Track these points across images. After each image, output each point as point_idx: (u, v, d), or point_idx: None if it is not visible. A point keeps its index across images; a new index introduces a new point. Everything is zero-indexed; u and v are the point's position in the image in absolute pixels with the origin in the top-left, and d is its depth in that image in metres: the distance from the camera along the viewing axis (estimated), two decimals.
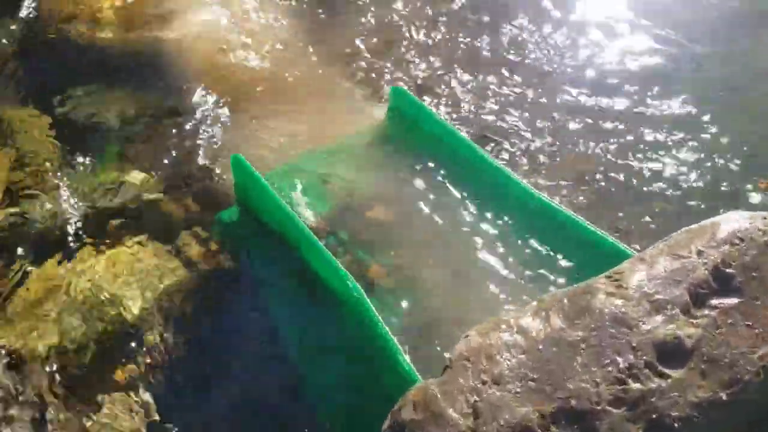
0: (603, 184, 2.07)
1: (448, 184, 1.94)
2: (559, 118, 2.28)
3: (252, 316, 1.76)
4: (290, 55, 2.52)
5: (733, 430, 1.23)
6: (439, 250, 1.78)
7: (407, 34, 2.61)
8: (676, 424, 1.14)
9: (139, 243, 1.95)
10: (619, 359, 1.18)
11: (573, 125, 2.27)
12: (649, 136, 2.24)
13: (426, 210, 1.90)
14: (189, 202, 2.06)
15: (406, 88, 2.18)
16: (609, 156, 2.16)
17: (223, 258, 1.89)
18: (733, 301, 1.28)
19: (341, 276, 1.56)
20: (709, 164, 2.13)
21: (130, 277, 1.83)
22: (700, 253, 1.34)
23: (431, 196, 1.92)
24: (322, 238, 1.82)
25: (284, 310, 1.74)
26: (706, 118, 2.28)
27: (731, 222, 1.39)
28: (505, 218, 1.82)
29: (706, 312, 1.26)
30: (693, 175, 2.10)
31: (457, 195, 1.92)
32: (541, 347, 1.21)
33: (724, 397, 1.19)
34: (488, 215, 1.85)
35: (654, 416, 1.14)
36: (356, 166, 2.03)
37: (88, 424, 1.56)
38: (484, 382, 1.16)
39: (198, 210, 2.04)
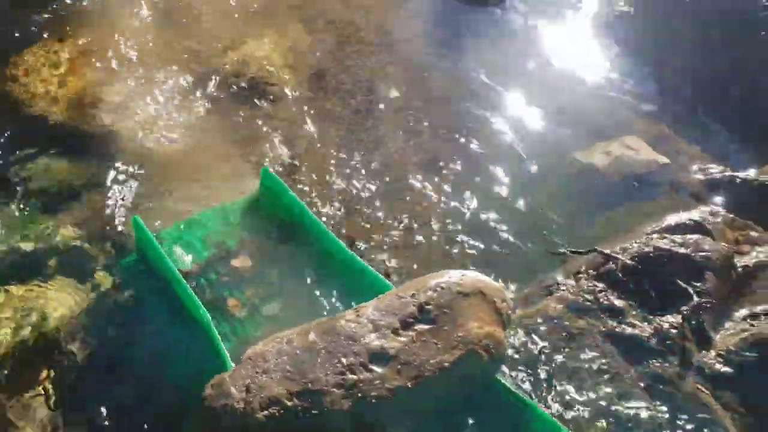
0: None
1: (296, 246, 2.67)
2: None
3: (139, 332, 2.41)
4: (202, 142, 3.24)
5: (421, 408, 1.96)
6: (280, 290, 2.50)
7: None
8: (373, 401, 1.86)
9: (61, 283, 2.60)
10: (344, 360, 1.91)
11: None
12: None
13: (274, 261, 2.62)
14: (107, 249, 2.73)
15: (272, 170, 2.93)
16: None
17: (124, 292, 2.55)
18: (428, 327, 2.03)
19: (196, 306, 2.25)
20: None
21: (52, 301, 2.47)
22: (413, 295, 2.10)
23: (282, 252, 2.64)
24: (194, 279, 2.52)
25: (160, 329, 2.42)
26: None
27: (440, 276, 2.16)
28: (324, 268, 2.56)
29: (409, 333, 2.01)
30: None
31: (303, 253, 2.64)
32: (298, 352, 1.93)
33: (410, 385, 1.92)
34: (315, 266, 2.57)
35: (360, 395, 1.86)
36: (231, 226, 2.75)
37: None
38: (257, 372, 1.87)
39: (112, 255, 2.71)
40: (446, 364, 1.95)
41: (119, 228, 2.79)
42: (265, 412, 1.78)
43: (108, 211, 2.86)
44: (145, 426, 2.12)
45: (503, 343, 2.06)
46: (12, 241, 2.71)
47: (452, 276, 2.15)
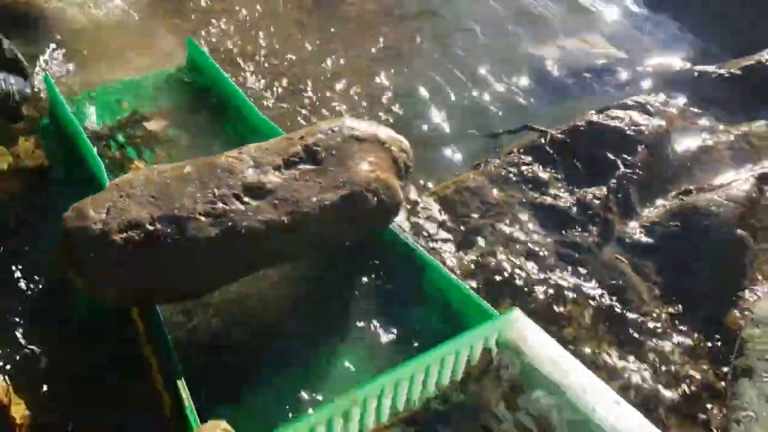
0: None
1: (216, 113, 2.57)
2: None
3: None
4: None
5: (296, 244, 1.85)
6: (193, 150, 2.40)
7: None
8: (243, 231, 1.76)
9: None
10: (217, 191, 1.81)
11: None
12: None
13: (190, 126, 2.52)
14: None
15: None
16: None
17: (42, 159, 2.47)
18: (313, 167, 1.92)
19: (97, 163, 2.16)
20: None
21: None
22: (302, 137, 1.98)
23: (198, 117, 2.55)
24: (102, 140, 2.43)
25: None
26: None
27: (335, 121, 2.05)
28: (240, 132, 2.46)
29: (291, 171, 1.90)
30: None
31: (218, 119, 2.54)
32: (169, 181, 1.83)
33: (286, 221, 1.81)
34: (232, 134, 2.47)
35: (230, 224, 1.76)
36: (150, 94, 2.65)
37: None
38: (121, 196, 1.78)
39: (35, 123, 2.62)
40: (327, 203, 1.84)
41: (43, 96, 2.70)
42: (123, 235, 1.68)
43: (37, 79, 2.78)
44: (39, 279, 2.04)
45: (397, 192, 1.95)
46: None
47: (348, 121, 2.03)
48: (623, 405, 1.53)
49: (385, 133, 2.03)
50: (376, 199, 1.90)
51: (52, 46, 2.95)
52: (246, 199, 1.80)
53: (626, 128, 2.47)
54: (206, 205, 1.76)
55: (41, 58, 2.87)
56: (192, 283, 1.75)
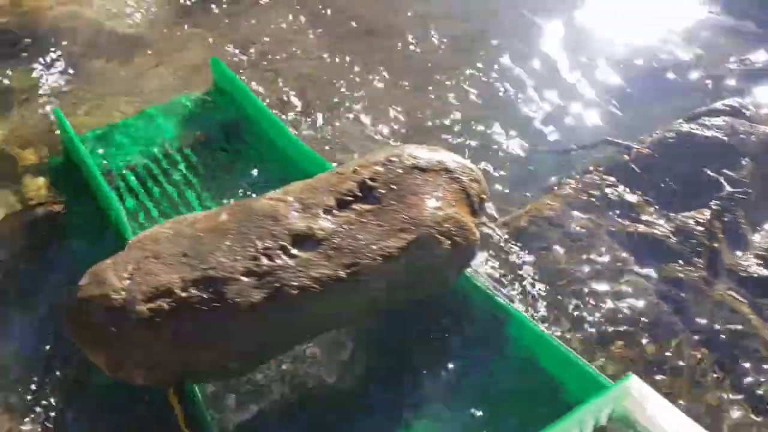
0: None
1: (248, 143, 2.27)
2: None
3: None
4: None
5: (356, 304, 1.53)
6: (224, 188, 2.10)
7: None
8: (294, 292, 1.44)
9: None
10: (259, 243, 1.49)
11: None
12: None
13: (218, 159, 2.22)
14: (42, 153, 2.38)
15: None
16: None
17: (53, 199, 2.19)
18: (370, 206, 1.60)
19: (116, 208, 1.87)
20: None
21: None
22: (355, 171, 1.66)
23: (227, 149, 2.25)
24: (120, 179, 2.14)
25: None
26: None
27: (392, 149, 1.72)
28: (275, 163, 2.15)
29: (345, 213, 1.58)
30: None
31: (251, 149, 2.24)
32: (201, 234, 1.52)
33: (344, 275, 1.49)
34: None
35: (276, 284, 1.44)
36: (175, 125, 2.36)
37: None
38: (146, 257, 1.47)
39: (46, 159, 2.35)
40: (392, 251, 1.51)
41: (52, 130, 2.43)
42: (151, 305, 1.38)
43: (44, 113, 2.51)
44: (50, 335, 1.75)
45: (472, 232, 1.61)
46: None
47: (408, 148, 1.71)
48: None
49: (452, 160, 1.70)
50: (448, 241, 1.57)
51: (63, 67, 2.69)
52: (294, 251, 1.48)
53: (726, 138, 2.11)
54: (248, 261, 1.45)
55: (48, 81, 2.60)
56: (233, 358, 1.43)
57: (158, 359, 1.40)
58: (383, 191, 1.61)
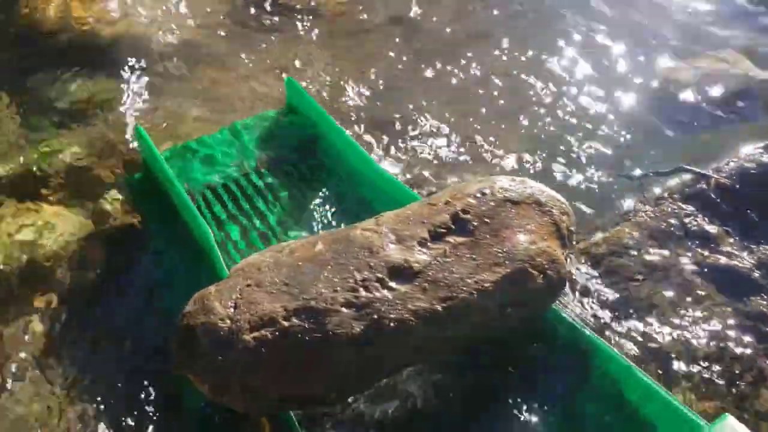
0: None
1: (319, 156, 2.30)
2: None
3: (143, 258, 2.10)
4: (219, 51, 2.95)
5: (452, 337, 1.55)
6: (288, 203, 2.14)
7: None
8: (392, 324, 1.47)
9: (63, 203, 2.32)
10: (357, 275, 1.52)
11: None
12: None
13: (302, 181, 2.25)
14: (116, 168, 2.44)
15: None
16: None
17: (130, 215, 2.25)
18: (464, 239, 1.62)
19: (198, 224, 1.91)
20: None
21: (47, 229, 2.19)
22: (447, 202, 1.69)
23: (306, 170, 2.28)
24: (204, 198, 2.19)
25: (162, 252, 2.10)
26: None
27: (483, 181, 1.74)
28: (353, 186, 2.18)
29: (439, 245, 1.60)
30: None
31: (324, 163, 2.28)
32: (300, 264, 1.55)
33: (440, 308, 1.52)
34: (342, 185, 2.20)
35: (375, 316, 1.47)
36: (254, 144, 2.40)
37: None
38: (248, 285, 1.51)
39: (121, 175, 2.40)
40: (488, 285, 1.52)
41: (131, 145, 2.49)
42: (255, 334, 1.41)
43: (119, 128, 2.57)
44: (136, 355, 1.80)
45: (563, 266, 1.62)
46: (13, 159, 2.45)
47: (499, 180, 1.72)
48: None
49: (543, 193, 1.72)
50: (541, 276, 1.58)
51: (135, 81, 2.76)
52: (391, 283, 1.51)
53: None
54: (347, 293, 1.48)
55: (122, 101, 2.66)
56: (331, 388, 1.47)
57: (260, 387, 1.43)
58: (476, 224, 1.62)
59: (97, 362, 1.79)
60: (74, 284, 2.01)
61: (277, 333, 1.43)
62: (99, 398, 1.69)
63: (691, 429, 1.43)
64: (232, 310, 1.46)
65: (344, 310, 1.46)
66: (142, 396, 1.70)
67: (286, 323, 1.44)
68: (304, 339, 1.43)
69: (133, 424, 1.64)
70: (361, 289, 1.49)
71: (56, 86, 2.75)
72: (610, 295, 1.87)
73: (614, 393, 1.61)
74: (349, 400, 1.61)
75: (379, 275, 1.52)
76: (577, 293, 1.87)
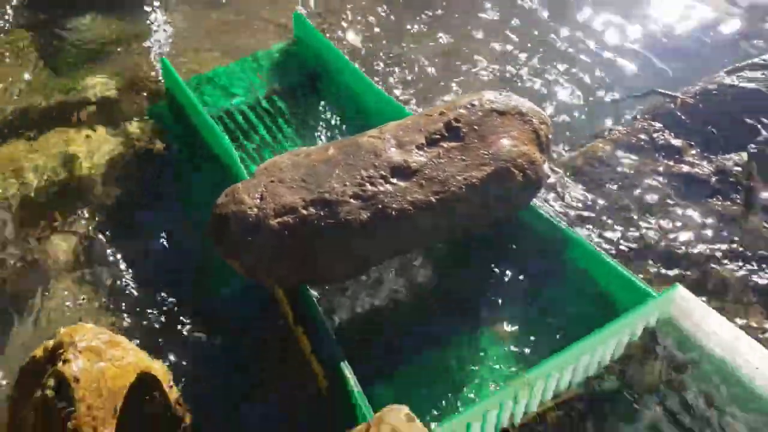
0: None
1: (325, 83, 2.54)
2: None
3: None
4: None
5: (445, 225, 1.82)
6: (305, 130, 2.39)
7: None
8: (393, 213, 1.74)
9: (96, 128, 2.57)
10: (364, 173, 1.79)
11: None
12: None
13: (313, 104, 2.50)
14: (141, 98, 2.69)
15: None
16: None
17: (157, 137, 2.50)
18: (456, 143, 1.88)
19: (227, 146, 2.17)
20: None
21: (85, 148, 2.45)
22: (441, 113, 1.94)
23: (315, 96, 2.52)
24: (224, 123, 2.44)
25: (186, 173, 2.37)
26: None
27: (473, 95, 1.99)
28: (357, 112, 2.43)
29: (434, 149, 1.86)
30: None
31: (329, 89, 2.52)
32: (315, 164, 1.82)
33: (434, 200, 1.78)
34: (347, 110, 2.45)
35: (379, 206, 1.74)
36: (268, 73, 2.64)
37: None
38: (272, 181, 1.78)
39: (147, 104, 2.66)
40: (475, 181, 1.79)
41: (154, 77, 2.73)
42: (279, 219, 1.68)
43: (145, 61, 2.81)
44: (168, 270, 2.07)
45: (541, 167, 1.89)
46: (44, 93, 2.69)
47: (487, 94, 1.97)
48: None
49: (525, 105, 1.96)
50: (521, 175, 1.85)
51: (155, 23, 2.98)
52: (393, 180, 1.77)
53: (765, 89, 2.34)
54: (355, 187, 1.74)
55: (147, 39, 2.89)
56: (342, 267, 1.74)
57: (284, 265, 1.71)
58: (466, 130, 1.88)
59: (138, 264, 2.06)
60: (110, 196, 2.28)
61: (297, 219, 1.70)
62: (138, 300, 1.96)
63: (643, 296, 1.69)
64: (258, 200, 1.73)
65: (353, 201, 1.73)
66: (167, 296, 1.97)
67: (304, 212, 1.70)
68: (320, 225, 1.70)
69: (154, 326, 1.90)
70: (368, 184, 1.76)
71: (86, 25, 2.97)
72: (583, 197, 2.14)
73: (580, 275, 1.88)
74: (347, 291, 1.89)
75: (383, 173, 1.78)
76: (553, 194, 2.14)
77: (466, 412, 1.45)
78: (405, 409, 1.35)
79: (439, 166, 1.82)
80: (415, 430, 1.29)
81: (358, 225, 1.71)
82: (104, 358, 1.58)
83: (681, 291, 1.70)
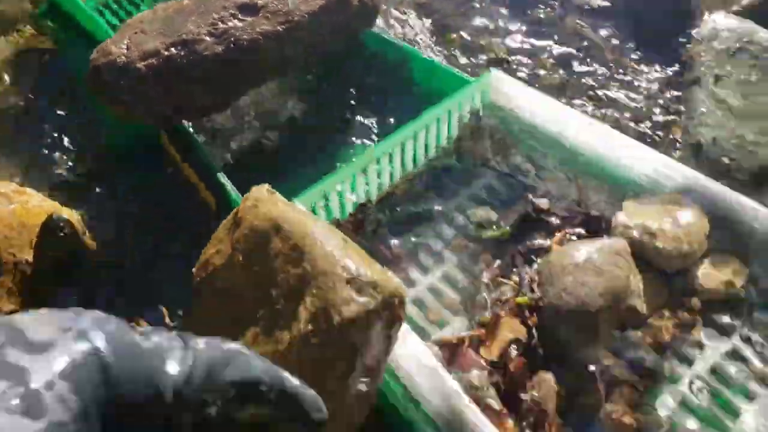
0: None
1: None
2: None
3: None
4: None
5: (294, 50, 2.11)
6: None
7: None
8: (245, 43, 2.01)
9: None
10: (215, 15, 2.04)
11: None
12: None
13: None
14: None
15: None
16: None
17: (42, 39, 2.69)
18: None
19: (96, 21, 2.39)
20: None
21: None
22: None
23: None
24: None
25: None
26: None
27: None
28: None
29: None
30: None
31: None
32: (173, 15, 2.06)
33: (281, 30, 2.06)
34: None
35: (233, 39, 2.00)
36: None
37: None
38: (135, 33, 2.02)
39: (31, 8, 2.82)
40: (315, 9, 2.07)
41: None
42: (145, 62, 1.94)
43: None
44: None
45: None
46: None
47: None
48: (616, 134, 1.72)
49: None
50: (357, 1, 2.14)
51: None
52: (242, 16, 2.04)
53: None
54: (209, 27, 2.01)
55: None
56: (207, 96, 2.02)
57: (155, 102, 1.97)
58: None
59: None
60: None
61: (161, 60, 1.96)
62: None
63: (461, 84, 2.01)
64: (125, 50, 1.98)
65: (207, 38, 1.99)
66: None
67: (166, 52, 1.96)
68: (182, 62, 1.96)
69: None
70: (219, 23, 2.02)
71: None
72: (422, 22, 2.45)
73: (427, 86, 2.20)
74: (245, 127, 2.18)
75: (232, 12, 2.04)
76: (393, 21, 2.44)
77: (321, 184, 1.76)
78: (266, 186, 1.65)
79: (283, 1, 2.09)
80: (275, 199, 1.56)
81: (214, 57, 1.97)
82: (14, 201, 1.84)
83: (497, 73, 2.01)
